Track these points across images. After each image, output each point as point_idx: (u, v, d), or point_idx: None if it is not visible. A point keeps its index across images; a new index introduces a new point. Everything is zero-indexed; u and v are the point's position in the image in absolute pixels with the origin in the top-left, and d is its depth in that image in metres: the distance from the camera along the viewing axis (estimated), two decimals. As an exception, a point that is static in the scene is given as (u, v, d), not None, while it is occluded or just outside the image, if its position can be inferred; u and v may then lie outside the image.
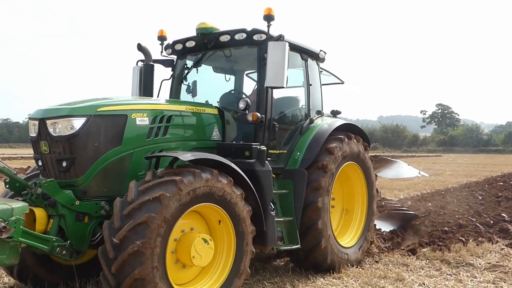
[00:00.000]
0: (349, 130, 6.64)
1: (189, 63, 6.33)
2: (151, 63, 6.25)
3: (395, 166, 8.54)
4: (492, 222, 8.79)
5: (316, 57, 6.62)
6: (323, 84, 6.97)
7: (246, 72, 6.74)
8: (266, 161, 5.19)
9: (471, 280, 5.63)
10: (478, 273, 5.88)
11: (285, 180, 5.82)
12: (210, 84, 6.61)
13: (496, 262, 6.37)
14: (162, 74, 6.41)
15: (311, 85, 6.39)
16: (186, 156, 4.26)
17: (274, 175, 5.60)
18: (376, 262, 6.53)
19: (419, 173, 9.17)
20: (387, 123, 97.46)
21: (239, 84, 6.75)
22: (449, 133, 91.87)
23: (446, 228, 8.18)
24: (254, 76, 6.27)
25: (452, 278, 5.73)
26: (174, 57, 6.48)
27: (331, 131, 6.23)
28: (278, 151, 5.88)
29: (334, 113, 7.18)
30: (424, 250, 6.97)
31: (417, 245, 7.24)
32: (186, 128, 5.25)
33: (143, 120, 4.71)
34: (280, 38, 5.38)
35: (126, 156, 4.56)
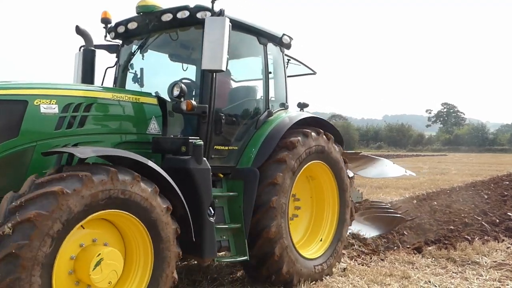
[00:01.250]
0: (318, 125, 5.88)
1: (135, 48, 5.60)
2: (92, 48, 5.54)
3: (379, 164, 8.17)
4: (498, 221, 8.83)
5: (279, 42, 5.83)
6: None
7: None
8: (204, 158, 4.50)
9: (477, 278, 5.64)
10: (483, 272, 5.89)
11: (235, 181, 5.09)
12: (163, 74, 5.95)
13: (502, 260, 6.39)
14: (108, 61, 5.83)
15: (270, 73, 5.65)
16: (85, 153, 3.60)
17: (222, 175, 5.09)
18: (382, 260, 6.54)
19: (406, 172, 8.64)
20: (392, 122, 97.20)
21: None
22: (454, 132, 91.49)
23: (452, 227, 8.22)
24: None
25: (457, 276, 5.74)
26: (119, 41, 5.78)
27: (292, 125, 5.45)
28: (227, 148, 5.17)
29: (301, 106, 6.44)
30: (429, 248, 6.99)
31: (423, 243, 7.26)
32: (111, 119, 4.49)
33: (50, 108, 4.00)
34: (220, 13, 4.71)
35: (25, 150, 3.86)
